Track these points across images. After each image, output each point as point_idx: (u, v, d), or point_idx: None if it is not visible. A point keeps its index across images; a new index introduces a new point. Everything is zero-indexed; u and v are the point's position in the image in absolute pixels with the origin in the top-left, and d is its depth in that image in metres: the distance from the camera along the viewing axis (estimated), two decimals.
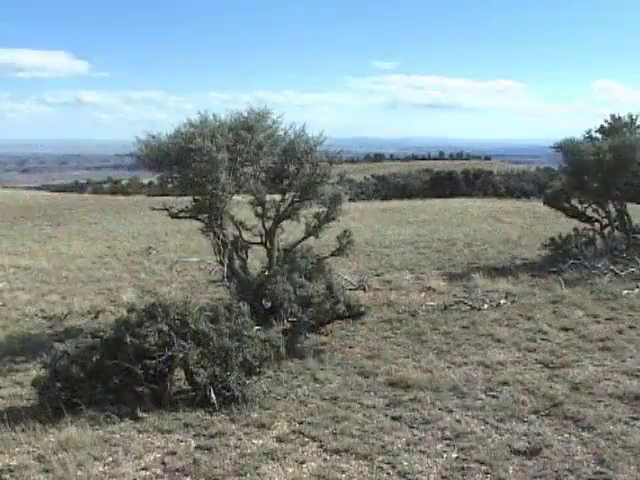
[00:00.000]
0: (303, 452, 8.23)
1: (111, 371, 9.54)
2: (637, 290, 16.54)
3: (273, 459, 8.02)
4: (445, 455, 8.10)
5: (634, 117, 22.91)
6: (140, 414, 9.25)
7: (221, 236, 12.67)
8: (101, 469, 7.89)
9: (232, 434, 8.71)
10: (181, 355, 9.49)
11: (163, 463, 8.01)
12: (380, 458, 7.99)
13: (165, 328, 9.56)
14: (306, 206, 13.33)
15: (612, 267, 18.29)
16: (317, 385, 10.50)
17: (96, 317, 14.73)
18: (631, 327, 13.40)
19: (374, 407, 9.54)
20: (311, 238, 13.61)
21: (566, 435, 8.59)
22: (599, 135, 22.58)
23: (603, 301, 15.49)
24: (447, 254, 22.60)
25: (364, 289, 16.47)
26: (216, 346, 9.69)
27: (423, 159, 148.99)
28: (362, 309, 13.62)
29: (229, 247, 12.85)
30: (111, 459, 8.12)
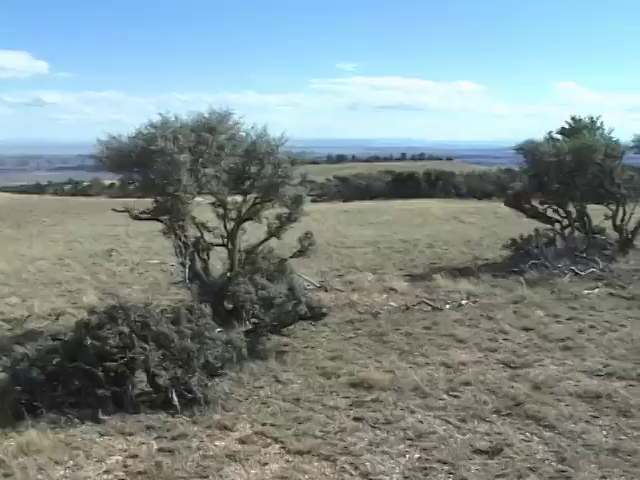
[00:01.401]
0: (265, 454, 8.21)
1: (72, 374, 9.45)
2: (597, 290, 16.72)
3: (235, 461, 7.99)
4: (407, 455, 8.11)
5: (594, 119, 23.12)
6: (101, 417, 9.17)
7: (183, 238, 12.60)
8: (62, 473, 7.82)
9: (194, 436, 8.67)
10: (142, 357, 9.44)
11: (125, 466, 7.95)
12: (343, 459, 7.99)
13: (126, 330, 9.51)
14: (268, 207, 13.29)
15: (572, 267, 18.47)
16: (279, 386, 10.48)
17: (57, 319, 14.60)
18: (591, 326, 13.53)
19: (336, 408, 9.53)
20: (273, 239, 13.58)
21: (528, 434, 8.65)
22: (560, 136, 22.75)
23: (564, 301, 15.63)
24: (409, 255, 22.70)
25: (326, 290, 16.50)
26: (178, 348, 9.65)
27: (385, 160, 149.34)
28: (324, 310, 13.60)
29: (191, 249, 12.78)
30: (72, 463, 8.04)
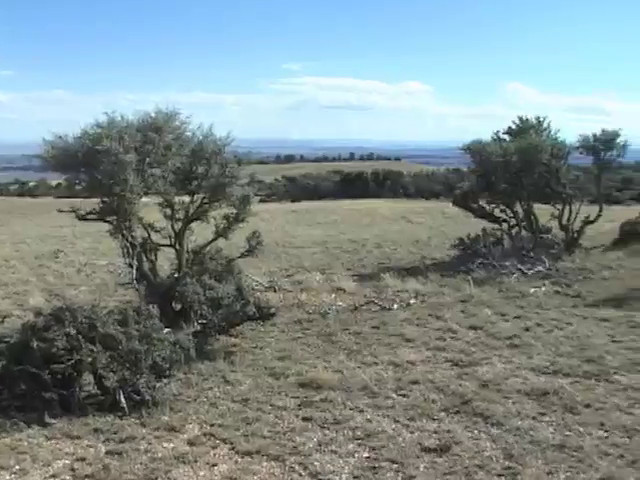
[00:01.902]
0: (214, 455, 8.18)
1: (18, 377, 9.33)
2: (544, 288, 16.91)
3: (184, 462, 7.95)
4: (356, 455, 8.13)
5: (541, 119, 23.34)
6: (48, 420, 9.06)
7: (130, 238, 12.49)
8: (8, 478, 7.71)
9: (142, 438, 8.60)
10: (89, 359, 9.34)
11: (72, 470, 7.86)
12: (292, 459, 7.98)
13: (73, 332, 9.40)
14: (215, 207, 13.23)
15: (520, 266, 18.66)
16: (228, 387, 10.44)
17: (2, 322, 14.37)
18: (538, 324, 13.68)
19: (285, 408, 9.53)
20: (221, 239, 13.51)
21: (475, 432, 8.72)
22: (507, 137, 22.94)
23: (511, 299, 15.79)
24: (357, 255, 22.76)
25: (274, 290, 16.47)
26: (125, 349, 9.57)
27: (333, 160, 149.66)
28: (272, 310, 13.60)
29: (138, 249, 12.67)
30: (18, 467, 7.93)
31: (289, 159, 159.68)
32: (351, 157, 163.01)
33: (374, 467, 7.80)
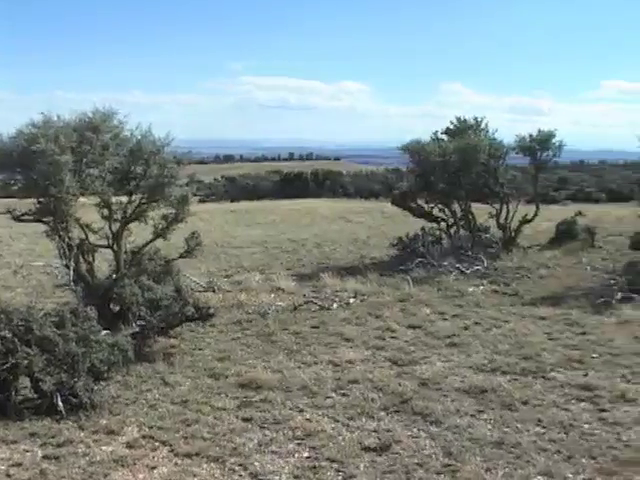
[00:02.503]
0: (154, 457, 8.10)
1: None
2: (482, 287, 17.09)
3: (123, 466, 7.86)
4: (297, 454, 8.13)
5: (479, 119, 23.55)
6: None
7: (67, 239, 12.34)
8: None
9: (80, 442, 8.49)
10: (25, 362, 9.21)
11: (8, 476, 7.72)
12: (232, 460, 7.95)
13: (8, 335, 9.26)
14: (154, 207, 13.13)
15: (458, 265, 18.82)
16: (167, 389, 10.36)
17: None
18: (476, 323, 13.83)
19: (225, 409, 9.49)
20: (160, 240, 13.42)
21: (415, 430, 8.76)
22: (445, 137, 23.10)
23: (450, 298, 15.94)
24: (296, 254, 22.77)
25: (213, 291, 16.39)
26: (62, 352, 9.45)
27: (273, 160, 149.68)
28: (211, 311, 13.52)
29: (75, 250, 12.53)
30: None
31: (228, 159, 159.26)
32: (290, 157, 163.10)
33: (314, 467, 7.80)
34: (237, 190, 58.47)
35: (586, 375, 10.72)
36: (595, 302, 15.29)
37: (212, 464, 7.89)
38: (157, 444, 8.44)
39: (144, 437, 8.64)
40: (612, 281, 16.46)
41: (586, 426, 8.85)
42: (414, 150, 21.67)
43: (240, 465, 7.85)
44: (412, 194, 22.53)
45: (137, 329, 12.04)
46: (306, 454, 8.14)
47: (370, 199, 48.02)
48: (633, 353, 11.75)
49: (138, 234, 13.74)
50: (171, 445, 8.38)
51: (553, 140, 22.84)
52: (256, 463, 7.88)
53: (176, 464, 7.93)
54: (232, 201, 50.66)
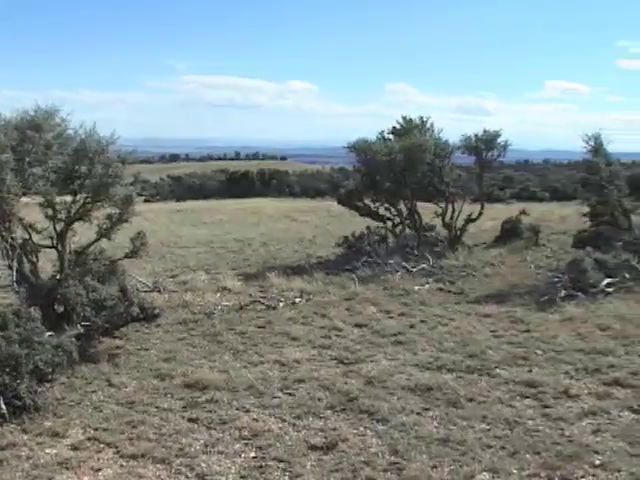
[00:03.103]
0: (99, 459, 8.03)
1: None
2: (427, 286, 17.18)
3: (67, 468, 7.79)
4: (243, 454, 8.11)
5: (425, 119, 23.69)
6: None
7: (9, 239, 12.18)
8: None
9: (24, 445, 8.38)
10: None
11: None
12: (178, 461, 7.91)
13: None
14: (98, 207, 13.00)
15: (404, 264, 18.90)
16: (112, 390, 10.26)
17: None
18: (422, 321, 13.90)
19: (171, 410, 9.43)
20: (105, 240, 13.30)
21: (361, 428, 8.79)
22: (392, 136, 23.19)
23: (395, 297, 16.00)
24: (243, 254, 22.71)
25: (159, 291, 16.27)
26: (4, 354, 9.31)
27: (219, 159, 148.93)
28: (157, 311, 13.46)
29: (18, 250, 12.38)
30: None
31: (174, 158, 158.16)
32: (237, 156, 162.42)
33: (261, 466, 7.80)
34: (183, 189, 58.07)
35: (530, 372, 10.84)
36: (539, 300, 15.46)
37: (158, 465, 7.84)
38: (102, 446, 8.37)
39: (89, 439, 8.56)
40: (556, 279, 16.62)
41: (530, 422, 8.95)
42: (360, 149, 21.74)
43: (186, 466, 7.81)
44: (358, 193, 22.59)
45: (82, 330, 11.91)
46: (253, 454, 8.13)
47: (316, 198, 48.00)
48: (576, 350, 11.89)
49: (82, 234, 13.61)
50: (116, 447, 8.31)
51: (498, 140, 23.09)
52: (202, 464, 7.85)
53: (121, 466, 7.87)
54: (178, 201, 50.33)
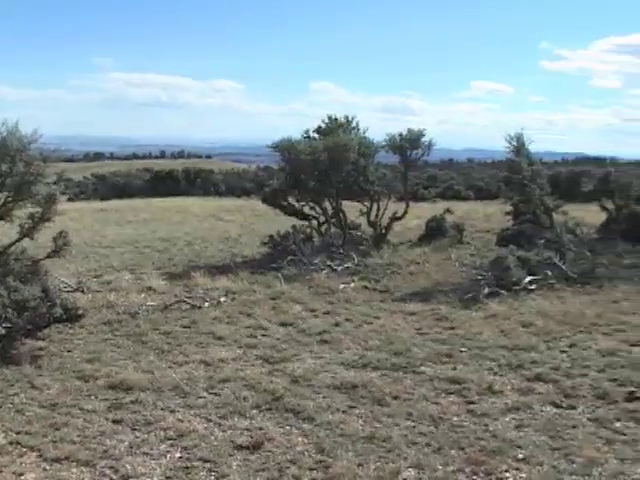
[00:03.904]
0: (21, 463, 7.87)
1: None
2: (353, 284, 17.27)
3: None
4: (169, 455, 8.04)
5: (350, 118, 23.81)
6: None
7: None
8: None
9: None
10: None
11: None
12: (102, 463, 7.81)
13: None
14: (20, 206, 12.81)
15: (329, 263, 18.97)
16: (35, 392, 10.07)
17: None
18: (347, 320, 13.96)
19: (95, 411, 9.30)
20: (26, 239, 13.10)
21: (287, 427, 8.79)
22: (317, 135, 23.27)
23: (321, 296, 16.04)
24: (168, 253, 22.55)
25: (83, 291, 16.07)
26: None
27: (144, 158, 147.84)
28: (80, 312, 13.31)
29: None
30: None
31: (99, 157, 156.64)
32: (162, 155, 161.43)
33: (187, 467, 7.74)
34: (107, 188, 57.42)
35: (455, 369, 10.95)
36: (463, 297, 15.64)
37: (82, 468, 7.72)
38: (25, 450, 8.20)
39: (11, 443, 8.38)
40: (479, 277, 16.83)
41: (455, 418, 9.05)
42: (285, 148, 21.77)
43: (111, 468, 7.71)
44: (282, 192, 22.64)
45: (3, 331, 11.71)
46: (178, 455, 8.06)
47: (242, 197, 47.92)
48: (499, 346, 12.07)
49: (4, 234, 13.40)
50: (39, 450, 8.16)
51: (422, 139, 23.31)
52: (127, 465, 7.75)
53: (45, 469, 7.74)
54: (102, 199, 49.76)
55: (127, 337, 12.88)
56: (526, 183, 19.86)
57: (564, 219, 21.10)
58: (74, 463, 7.83)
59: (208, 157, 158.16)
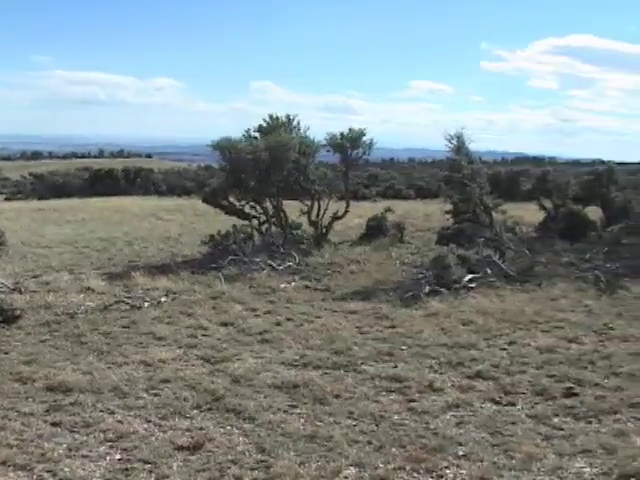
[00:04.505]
0: None
1: None
2: (294, 283, 17.26)
3: None
4: (108, 457, 7.94)
5: (291, 117, 23.79)
6: None
7: None
8: None
9: None
10: None
11: None
12: (40, 467, 7.67)
13: None
14: None
15: (270, 262, 18.94)
16: None
17: None
18: (288, 319, 13.95)
19: (32, 414, 9.14)
20: None
21: (228, 427, 8.75)
22: (258, 134, 23.23)
23: (262, 295, 16.02)
24: (107, 253, 22.37)
25: (20, 292, 15.87)
26: None
27: (83, 157, 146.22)
28: (18, 312, 13.14)
29: None
30: None
31: (36, 155, 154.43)
32: (101, 154, 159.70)
33: (127, 469, 7.65)
34: (45, 188, 56.65)
35: (395, 367, 11.00)
36: (404, 296, 15.73)
37: (19, 472, 7.58)
38: None
39: None
40: (420, 275, 16.95)
41: (396, 416, 9.09)
42: (225, 147, 21.69)
43: (49, 471, 7.58)
44: (223, 192, 22.56)
45: None
46: (118, 456, 7.97)
47: (183, 197, 47.64)
48: (439, 344, 12.15)
49: None
50: None
51: (363, 138, 23.38)
52: (66, 469, 7.63)
53: None
54: (40, 199, 49.15)
55: (66, 338, 12.71)
56: (466, 182, 20.02)
57: (503, 218, 21.33)
58: (11, 467, 7.68)
59: (148, 156, 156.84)
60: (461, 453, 7.98)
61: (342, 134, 23.34)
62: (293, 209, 23.18)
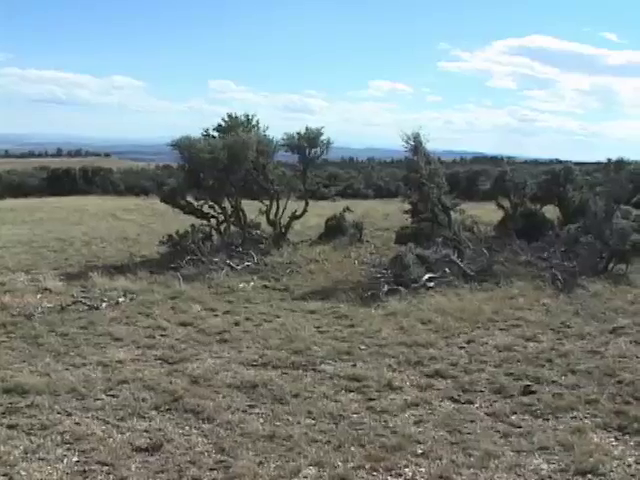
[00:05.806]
0: None
1: None
2: (252, 283, 17.26)
3: None
4: (65, 460, 7.87)
5: (250, 116, 23.78)
6: None
7: None
8: None
9: None
10: None
11: None
12: None
13: None
14: None
15: (229, 261, 18.93)
16: None
17: None
18: (247, 319, 13.94)
19: None
20: None
21: (187, 428, 8.71)
22: (217, 133, 23.19)
23: (220, 295, 16.00)
24: (64, 253, 22.20)
25: None
26: None
27: (40, 156, 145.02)
28: None
29: None
30: None
31: None
32: (58, 153, 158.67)
33: (84, 471, 7.59)
34: (2, 187, 56.07)
35: (354, 366, 11.03)
36: (363, 295, 15.78)
37: None
38: None
39: None
40: (379, 274, 17.00)
41: (355, 416, 9.10)
42: (184, 147, 21.63)
43: (4, 475, 7.50)
44: (182, 191, 22.50)
45: None
46: (75, 458, 7.90)
47: (141, 196, 47.41)
48: (398, 343, 12.19)
49: None
50: None
51: (321, 138, 23.39)
52: (22, 472, 7.55)
53: None
54: None
55: (22, 339, 12.58)
56: (424, 182, 20.08)
57: (462, 217, 21.45)
58: None
59: (107, 155, 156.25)
60: (420, 451, 8.02)
61: (299, 133, 23.36)
62: (252, 209, 23.17)
